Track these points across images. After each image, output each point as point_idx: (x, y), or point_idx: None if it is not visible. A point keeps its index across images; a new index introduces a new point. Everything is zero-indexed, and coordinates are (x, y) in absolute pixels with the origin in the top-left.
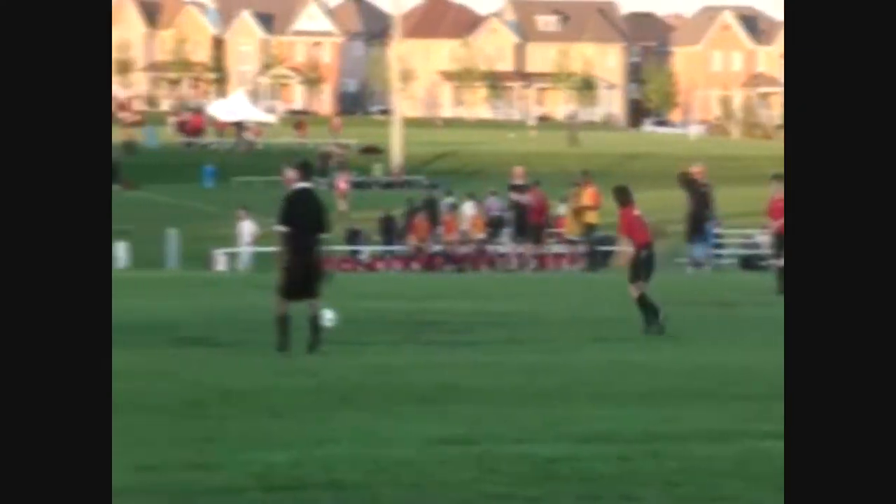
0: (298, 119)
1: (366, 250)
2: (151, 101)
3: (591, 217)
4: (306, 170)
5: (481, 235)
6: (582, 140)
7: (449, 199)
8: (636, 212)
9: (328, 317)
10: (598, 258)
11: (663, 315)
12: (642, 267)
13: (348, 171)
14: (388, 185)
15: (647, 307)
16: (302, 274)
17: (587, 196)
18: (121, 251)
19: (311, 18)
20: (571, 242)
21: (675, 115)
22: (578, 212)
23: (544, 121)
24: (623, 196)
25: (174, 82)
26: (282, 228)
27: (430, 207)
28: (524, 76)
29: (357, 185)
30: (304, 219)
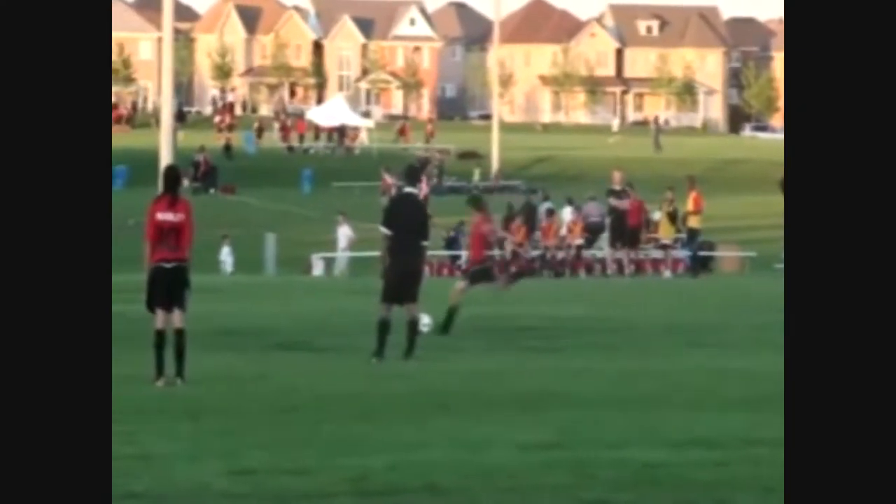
0: (402, 124)
1: (464, 255)
2: (251, 105)
3: (693, 221)
4: (412, 175)
5: (579, 241)
6: (663, 145)
7: (546, 205)
8: (487, 226)
9: (424, 321)
10: (699, 263)
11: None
12: (478, 276)
13: (432, 176)
14: (487, 190)
15: (453, 317)
16: (401, 278)
17: (690, 201)
18: (225, 255)
19: (411, 23)
20: (667, 247)
21: (776, 121)
22: (673, 216)
23: (643, 125)
24: (478, 204)
25: (274, 87)
26: (384, 231)
27: (528, 212)
28: (624, 81)
29: (456, 190)
30: (406, 223)
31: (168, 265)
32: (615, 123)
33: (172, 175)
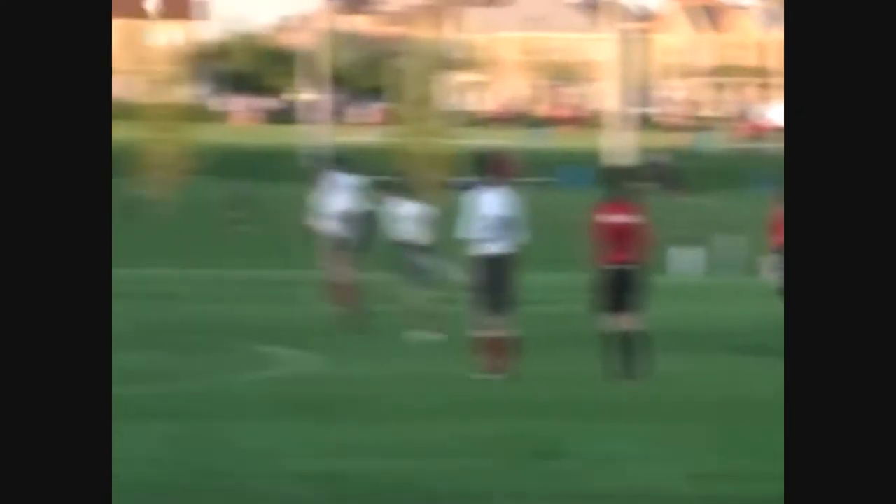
0: None
1: None
2: (709, 105)
3: None
4: None
5: None
6: None
7: None
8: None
9: None
10: None
11: None
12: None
13: None
14: None
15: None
16: None
17: None
18: (679, 257)
19: None
20: None
21: None
22: None
23: None
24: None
25: (728, 87)
26: None
27: None
28: None
29: None
30: None
31: (615, 267)
32: None
33: (613, 176)
